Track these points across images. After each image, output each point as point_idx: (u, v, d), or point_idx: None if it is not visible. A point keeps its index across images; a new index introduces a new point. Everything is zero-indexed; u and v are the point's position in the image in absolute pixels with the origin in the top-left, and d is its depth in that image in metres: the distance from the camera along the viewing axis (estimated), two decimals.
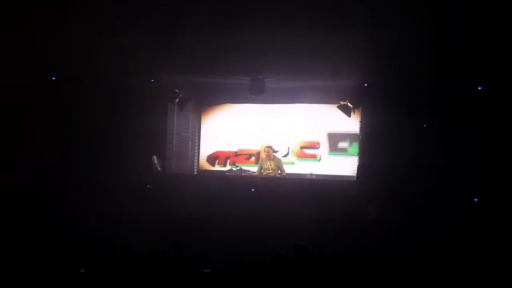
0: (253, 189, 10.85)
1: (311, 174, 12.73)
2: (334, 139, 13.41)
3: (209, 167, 14.06)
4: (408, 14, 9.06)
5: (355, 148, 12.44)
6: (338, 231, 9.25)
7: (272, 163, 12.34)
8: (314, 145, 13.56)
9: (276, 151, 12.92)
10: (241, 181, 11.69)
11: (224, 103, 13.95)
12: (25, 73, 10.46)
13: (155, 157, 11.59)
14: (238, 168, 12.75)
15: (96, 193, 10.59)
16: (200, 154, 14.14)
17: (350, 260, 7.38)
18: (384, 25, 9.41)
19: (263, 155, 12.68)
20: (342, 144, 13.31)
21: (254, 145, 13.72)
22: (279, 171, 12.39)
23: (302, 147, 13.61)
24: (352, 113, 11.91)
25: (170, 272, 6.42)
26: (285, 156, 13.46)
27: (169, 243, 7.84)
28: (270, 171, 12.30)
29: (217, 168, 13.96)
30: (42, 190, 10.62)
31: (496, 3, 8.80)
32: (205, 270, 6.44)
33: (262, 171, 12.40)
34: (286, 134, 13.54)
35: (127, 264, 6.59)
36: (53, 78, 11.19)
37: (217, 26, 9.78)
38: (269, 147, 12.49)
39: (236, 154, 13.88)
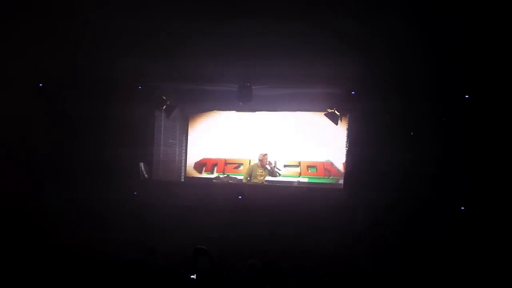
0: (240, 197, 10.81)
1: (298, 182, 12.73)
2: None
3: (196, 174, 14.03)
4: (396, 23, 9.09)
5: None
6: (324, 239, 9.25)
7: (263, 171, 12.32)
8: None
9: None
10: (228, 188, 11.65)
11: (212, 110, 13.95)
12: (10, 79, 10.43)
13: (142, 164, 11.55)
14: (225, 175, 12.74)
15: (82, 199, 10.51)
16: (187, 161, 14.11)
17: (336, 269, 7.37)
18: (371, 34, 9.44)
19: (254, 162, 12.63)
20: None
21: (242, 153, 13.71)
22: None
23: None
24: (339, 121, 11.95)
25: (155, 279, 6.40)
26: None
27: (154, 250, 7.84)
28: (261, 178, 12.26)
29: (204, 175, 13.93)
30: (26, 196, 10.55)
31: (485, 12, 8.84)
32: (191, 277, 6.43)
33: (249, 178, 12.36)
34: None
35: (109, 271, 6.55)
36: (40, 85, 11.14)
37: (205, 34, 9.77)
38: (266, 154, 12.42)
39: (226, 163, 13.86)
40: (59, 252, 7.58)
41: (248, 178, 12.36)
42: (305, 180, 13.30)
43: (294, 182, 13.03)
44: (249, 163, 13.36)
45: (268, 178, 12.52)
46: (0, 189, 10.39)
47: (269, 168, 12.33)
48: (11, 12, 9.72)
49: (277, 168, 12.74)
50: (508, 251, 8.45)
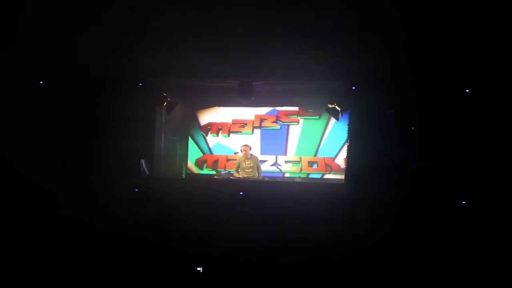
0: (241, 193, 10.82)
1: (299, 177, 12.74)
2: None
3: (197, 171, 14.04)
4: (395, 17, 9.07)
5: None
6: (326, 234, 9.25)
7: (250, 162, 12.33)
8: None
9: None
10: (229, 184, 11.65)
11: (213, 106, 13.95)
12: (10, 75, 10.41)
13: (143, 161, 11.53)
14: (227, 172, 12.75)
15: (83, 197, 10.50)
16: (188, 157, 14.12)
17: (338, 264, 7.37)
18: (372, 28, 9.42)
19: (240, 155, 12.63)
20: None
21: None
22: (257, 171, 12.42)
23: None
24: (340, 116, 11.94)
25: (162, 270, 6.43)
26: (273, 165, 13.48)
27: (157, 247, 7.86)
28: (249, 170, 12.27)
29: (206, 171, 13.94)
30: (28, 193, 10.54)
31: (484, 10, 8.83)
32: (197, 269, 6.47)
33: (239, 170, 12.37)
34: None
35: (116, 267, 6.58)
36: (41, 82, 11.12)
37: (205, 29, 9.75)
38: (247, 145, 12.48)
39: (227, 160, 13.87)
40: (58, 248, 7.61)
41: (238, 171, 12.39)
42: (306, 175, 13.33)
43: (295, 177, 13.05)
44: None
45: (267, 174, 12.54)
46: (2, 185, 10.40)
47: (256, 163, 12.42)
48: (9, 10, 9.69)
49: (278, 164, 12.79)
50: (508, 247, 8.45)
